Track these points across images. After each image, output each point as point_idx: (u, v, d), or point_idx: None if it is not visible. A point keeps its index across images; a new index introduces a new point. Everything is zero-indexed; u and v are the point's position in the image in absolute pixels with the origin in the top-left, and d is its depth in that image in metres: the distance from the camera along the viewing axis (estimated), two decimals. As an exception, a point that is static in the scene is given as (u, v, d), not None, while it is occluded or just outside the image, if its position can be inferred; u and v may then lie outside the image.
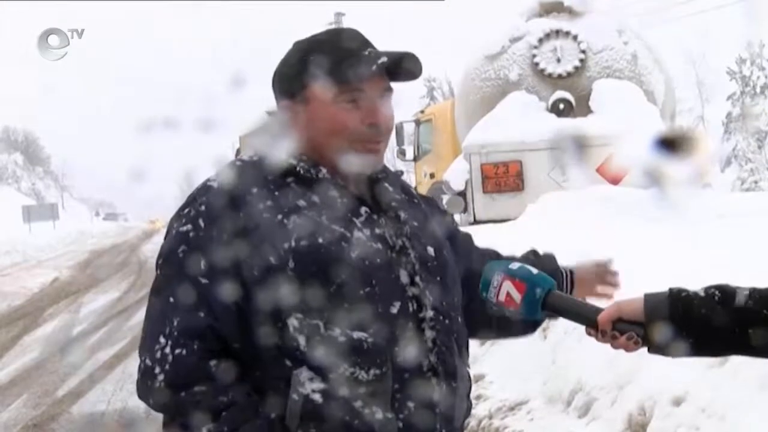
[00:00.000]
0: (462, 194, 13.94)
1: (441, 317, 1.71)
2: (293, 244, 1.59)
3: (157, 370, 1.57)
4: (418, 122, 18.49)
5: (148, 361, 1.60)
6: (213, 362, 1.57)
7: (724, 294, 1.58)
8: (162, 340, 1.58)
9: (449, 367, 1.71)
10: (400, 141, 18.73)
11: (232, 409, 1.55)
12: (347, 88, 1.68)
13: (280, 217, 1.61)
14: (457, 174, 14.02)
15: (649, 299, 1.61)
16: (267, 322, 1.58)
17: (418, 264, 1.71)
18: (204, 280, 1.58)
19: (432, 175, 17.31)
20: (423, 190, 17.49)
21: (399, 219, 1.75)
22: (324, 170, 1.69)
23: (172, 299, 1.60)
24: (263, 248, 1.58)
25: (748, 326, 1.54)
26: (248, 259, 1.58)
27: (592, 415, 4.68)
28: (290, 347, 1.58)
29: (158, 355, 1.58)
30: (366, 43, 1.74)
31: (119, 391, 7.85)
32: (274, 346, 1.58)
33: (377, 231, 1.69)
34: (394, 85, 1.75)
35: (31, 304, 15.21)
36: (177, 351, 1.57)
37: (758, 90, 48.52)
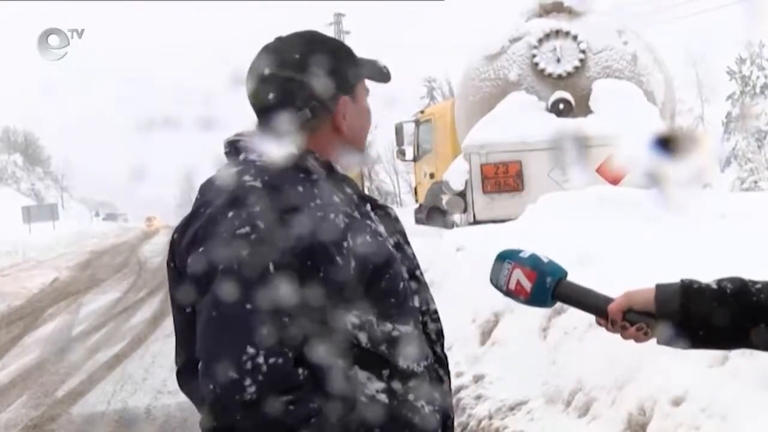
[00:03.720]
0: (462, 194, 13.92)
1: (436, 309, 1.77)
2: (351, 243, 1.60)
3: (248, 381, 1.48)
4: (417, 122, 18.50)
5: (233, 374, 1.49)
6: (300, 369, 1.53)
7: (736, 287, 1.57)
8: (250, 350, 1.49)
9: (446, 359, 1.78)
10: (399, 141, 18.75)
11: (321, 415, 1.52)
12: (366, 91, 1.80)
13: (332, 215, 1.60)
14: (456, 174, 14.01)
15: (661, 290, 1.60)
16: (331, 322, 1.57)
17: (416, 259, 1.76)
18: (277, 283, 1.52)
19: (432, 175, 17.31)
20: (423, 190, 17.52)
21: (390, 216, 1.78)
22: (339, 168, 1.74)
23: (249, 306, 1.51)
24: (327, 247, 1.57)
25: (760, 320, 1.53)
26: (312, 259, 1.56)
27: (592, 415, 4.68)
28: (349, 345, 1.57)
29: (248, 366, 1.48)
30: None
31: (119, 392, 7.84)
32: (333, 346, 1.57)
33: (380, 228, 1.72)
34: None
35: (30, 304, 15.20)
36: (271, 360, 1.49)
37: (758, 90, 48.50)
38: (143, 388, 7.84)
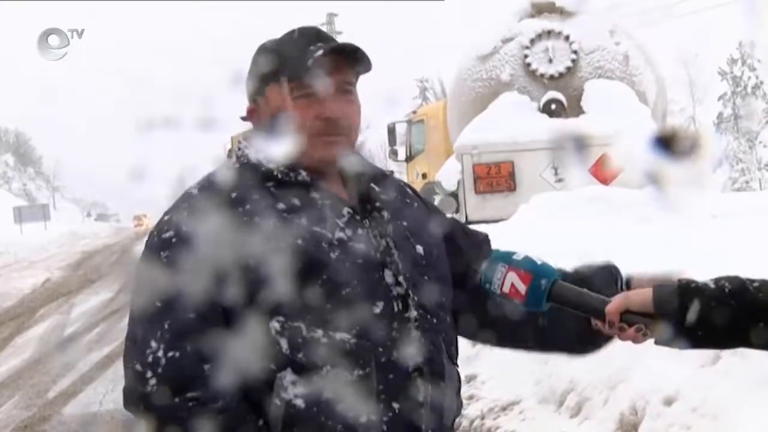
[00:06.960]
0: (454, 195, 13.93)
1: (428, 316, 1.72)
2: (273, 246, 1.60)
3: (149, 374, 1.56)
4: (410, 123, 18.46)
5: (138, 366, 1.58)
6: (206, 366, 1.56)
7: (734, 285, 1.55)
8: (153, 344, 1.56)
9: (436, 367, 1.71)
10: (392, 141, 18.71)
11: (224, 415, 1.55)
12: (297, 86, 1.70)
13: (257, 220, 1.62)
14: (449, 174, 14.01)
15: (658, 290, 1.58)
16: (249, 325, 1.59)
17: (404, 264, 1.71)
18: (190, 283, 1.59)
19: (424, 176, 17.29)
20: (415, 190, 17.39)
21: (383, 219, 1.75)
22: (303, 173, 1.70)
23: (159, 303, 1.59)
24: (244, 252, 1.59)
25: (759, 318, 1.53)
26: (230, 263, 1.59)
27: (584, 414, 4.69)
28: (273, 350, 1.58)
29: (150, 359, 1.56)
30: (316, 39, 1.74)
31: (111, 392, 7.81)
32: (258, 350, 1.59)
33: (360, 232, 1.69)
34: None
35: (22, 305, 15.15)
36: (170, 354, 1.56)
37: (749, 90, 48.68)
38: (135, 388, 7.79)
